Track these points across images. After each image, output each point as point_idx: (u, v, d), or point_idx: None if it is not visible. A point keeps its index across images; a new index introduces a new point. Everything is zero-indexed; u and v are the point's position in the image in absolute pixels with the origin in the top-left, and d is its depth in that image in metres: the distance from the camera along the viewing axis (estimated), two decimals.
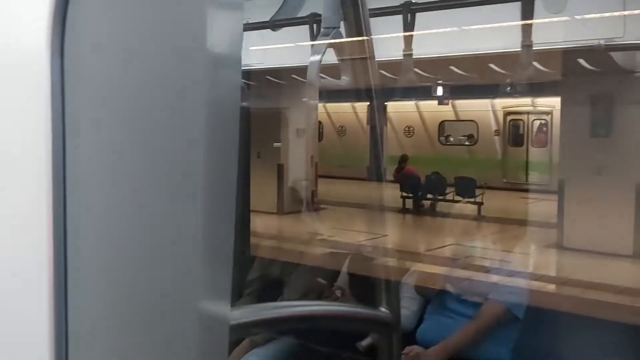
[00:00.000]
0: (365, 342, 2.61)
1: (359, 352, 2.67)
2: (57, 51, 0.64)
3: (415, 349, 2.74)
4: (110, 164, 0.61)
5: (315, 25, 5.26)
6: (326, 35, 1.90)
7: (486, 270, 3.91)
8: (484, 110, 13.98)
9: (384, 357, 1.22)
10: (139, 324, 0.65)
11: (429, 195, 11.09)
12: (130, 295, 0.65)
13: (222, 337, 0.69)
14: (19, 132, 0.69)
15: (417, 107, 14.42)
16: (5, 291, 0.71)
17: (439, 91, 11.07)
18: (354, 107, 14.51)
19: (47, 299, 0.64)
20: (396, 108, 14.07)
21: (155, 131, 0.61)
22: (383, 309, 1.23)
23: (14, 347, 0.72)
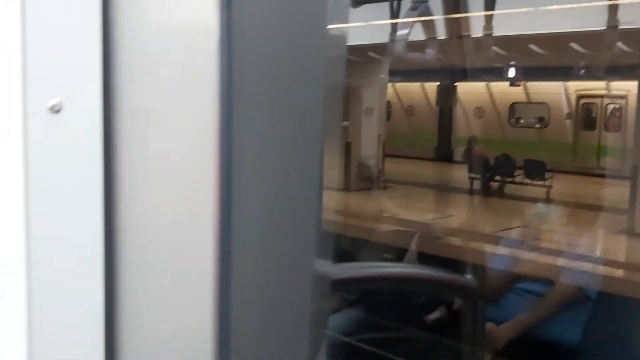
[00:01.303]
0: (433, 316, 2.67)
1: (426, 326, 2.73)
2: (225, 33, 0.69)
3: (487, 324, 2.75)
4: (271, 151, 0.67)
5: (395, 2, 5.25)
6: (414, 10, 1.94)
7: (555, 253, 3.88)
8: (556, 93, 13.61)
9: (468, 323, 1.27)
10: (281, 291, 0.73)
11: (498, 177, 10.95)
12: (277, 270, 0.73)
13: (325, 290, 0.77)
14: (189, 114, 0.76)
15: (488, 88, 14.16)
16: (170, 288, 0.79)
17: (512, 72, 10.87)
18: (423, 87, 14.38)
19: (211, 296, 0.71)
20: (466, 89, 13.87)
21: (298, 115, 0.68)
22: (469, 277, 1.29)
23: (180, 344, 0.79)
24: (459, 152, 11.80)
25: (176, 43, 0.75)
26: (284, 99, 0.69)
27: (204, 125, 0.71)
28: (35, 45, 0.81)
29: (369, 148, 12.24)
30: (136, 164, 0.82)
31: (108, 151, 0.86)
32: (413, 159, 13.04)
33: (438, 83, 13.09)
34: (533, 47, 7.47)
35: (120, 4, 0.82)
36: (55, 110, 0.88)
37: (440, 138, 13.58)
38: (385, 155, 12.66)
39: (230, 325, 0.68)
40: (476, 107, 15.92)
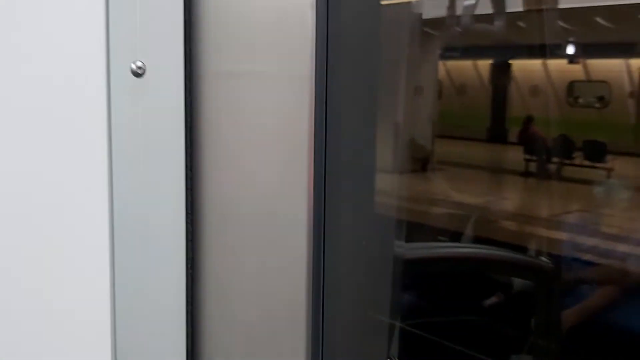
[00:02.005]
0: (490, 301, 2.55)
1: (483, 310, 2.61)
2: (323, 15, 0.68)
3: None
4: (358, 131, 0.68)
5: None
6: None
7: (616, 238, 3.73)
8: (617, 71, 13.11)
9: (543, 306, 1.21)
10: (364, 275, 0.78)
11: (555, 159, 10.62)
12: (361, 253, 0.78)
13: (388, 268, 0.78)
14: (283, 80, 0.73)
15: (545, 65, 13.76)
16: (267, 285, 0.76)
17: (571, 50, 10.46)
18: (475, 65, 14.05)
19: (305, 293, 0.70)
20: (522, 66, 13.50)
21: (360, 95, 0.68)
22: (544, 259, 1.21)
23: (275, 342, 0.77)
24: (513, 132, 11.47)
25: (269, 6, 0.73)
26: (362, 73, 0.71)
27: (299, 92, 0.70)
28: (119, 8, 0.80)
29: (418, 129, 12.11)
30: (222, 132, 0.79)
31: (191, 116, 0.83)
32: (465, 140, 12.77)
33: (491, 61, 12.80)
34: (600, 20, 7.12)
35: None
36: (139, 73, 0.85)
37: (493, 118, 13.25)
38: (436, 137, 12.50)
39: (323, 312, 0.71)
40: (532, 86, 15.52)
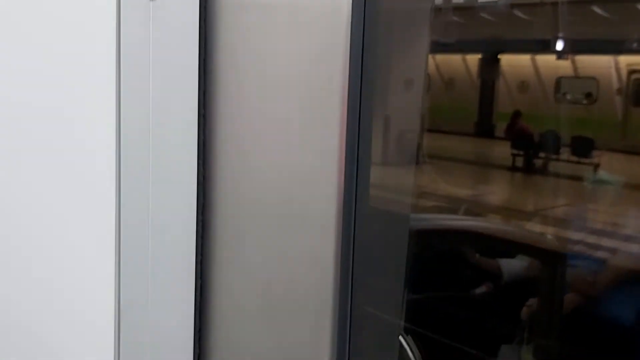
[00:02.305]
0: (479, 290, 2.53)
1: (472, 299, 2.59)
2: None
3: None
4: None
5: None
6: None
7: (602, 233, 3.73)
8: (605, 67, 13.15)
9: (545, 290, 1.17)
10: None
11: (542, 154, 10.64)
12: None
13: (402, 239, 0.75)
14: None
15: (533, 61, 13.77)
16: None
17: (559, 45, 10.47)
18: (464, 59, 14.04)
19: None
20: (510, 62, 13.50)
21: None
22: (550, 237, 1.19)
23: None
24: (501, 127, 11.48)
25: None
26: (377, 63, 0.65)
27: (334, 37, 0.62)
28: None
29: (406, 122, 12.00)
30: (240, 72, 0.70)
31: (208, 45, 0.74)
32: (453, 134, 12.78)
33: (480, 55, 12.80)
34: (596, 9, 7.11)
35: None
36: None
37: (481, 112, 13.26)
38: (424, 130, 12.44)
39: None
40: (520, 81, 15.53)
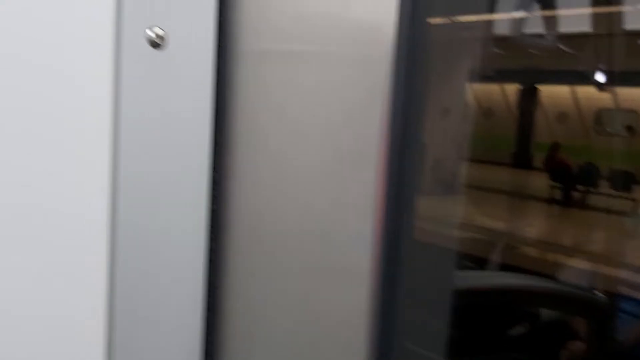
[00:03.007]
0: (516, 331, 2.45)
1: (509, 341, 2.51)
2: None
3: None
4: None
5: None
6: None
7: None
8: None
9: (597, 343, 1.12)
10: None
11: (581, 187, 10.40)
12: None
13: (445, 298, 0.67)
14: (347, 63, 0.60)
15: (573, 92, 13.55)
16: (324, 284, 0.66)
17: (600, 77, 10.30)
18: (502, 89, 13.90)
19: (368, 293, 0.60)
20: (549, 92, 13.31)
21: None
22: (599, 293, 1.13)
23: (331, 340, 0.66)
24: (539, 158, 11.31)
25: None
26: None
27: (371, 78, 0.54)
28: None
29: (443, 150, 11.87)
30: (259, 122, 0.62)
31: (221, 100, 0.65)
32: (490, 164, 12.60)
33: (519, 85, 12.65)
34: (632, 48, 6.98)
35: None
36: (156, 43, 0.65)
37: (519, 143, 13.08)
38: (461, 159, 12.19)
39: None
40: (559, 112, 15.29)
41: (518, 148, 13.41)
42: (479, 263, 3.32)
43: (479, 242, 5.03)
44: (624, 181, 10.15)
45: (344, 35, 0.58)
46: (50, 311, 0.78)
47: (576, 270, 3.67)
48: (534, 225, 7.10)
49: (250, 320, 0.68)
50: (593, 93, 12.99)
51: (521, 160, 12.55)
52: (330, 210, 0.61)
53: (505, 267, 3.25)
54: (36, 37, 0.68)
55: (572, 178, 11.19)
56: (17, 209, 0.76)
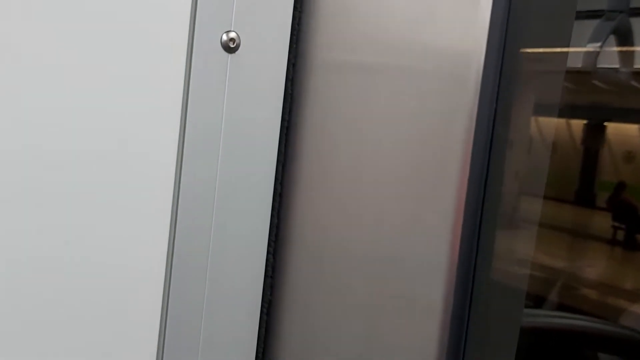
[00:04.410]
0: None
1: None
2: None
3: None
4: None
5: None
6: (610, 20, 1.65)
7: None
8: None
9: None
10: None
11: None
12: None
13: (511, 339, 0.67)
14: (424, 78, 0.61)
15: None
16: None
17: None
18: (568, 124, 13.59)
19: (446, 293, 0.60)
20: (616, 130, 12.97)
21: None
22: None
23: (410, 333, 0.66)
24: (602, 197, 10.98)
25: None
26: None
27: (455, 97, 0.55)
28: None
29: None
30: (330, 137, 0.63)
31: (292, 109, 0.67)
32: (551, 200, 12.26)
33: (585, 121, 12.34)
34: None
35: None
36: (231, 47, 0.68)
37: (582, 180, 12.72)
38: (521, 193, 11.95)
39: None
40: (626, 151, 14.80)
41: (581, 185, 13.05)
42: (537, 301, 3.26)
43: (537, 279, 4.93)
44: None
45: (426, 50, 0.57)
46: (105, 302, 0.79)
47: (636, 315, 3.57)
48: (594, 266, 6.89)
49: (306, 345, 0.66)
50: None
51: (584, 197, 12.20)
52: (402, 234, 0.60)
53: (562, 307, 3.18)
54: (116, 44, 0.71)
55: (637, 220, 10.80)
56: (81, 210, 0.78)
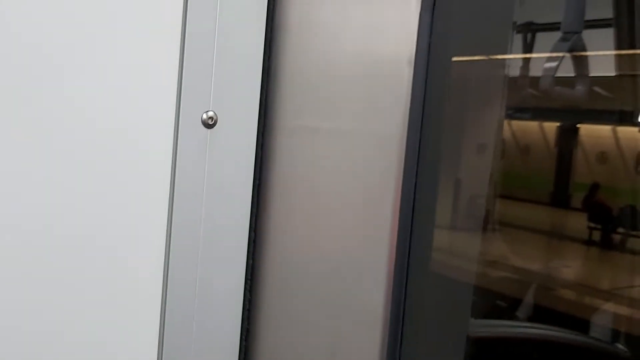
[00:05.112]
0: None
1: None
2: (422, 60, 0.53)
3: None
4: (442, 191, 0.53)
5: (529, 35, 4.96)
6: (565, 41, 1.71)
7: None
8: None
9: None
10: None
11: (621, 230, 10.15)
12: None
13: (459, 347, 0.60)
14: (370, 139, 0.58)
15: (615, 132, 13.33)
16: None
17: None
18: (541, 126, 13.70)
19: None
20: (589, 131, 13.11)
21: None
22: (621, 347, 1.06)
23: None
24: (577, 198, 11.09)
25: (358, 60, 0.58)
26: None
27: (387, 153, 0.54)
28: (195, 55, 0.67)
29: (478, 187, 11.59)
30: (294, 191, 0.63)
31: (262, 170, 0.68)
32: (526, 202, 12.32)
33: (558, 123, 12.42)
34: None
35: (288, 25, 0.65)
36: (209, 124, 0.73)
37: (557, 182, 12.79)
38: (496, 196, 12.01)
39: None
40: (599, 152, 14.90)
41: (555, 187, 13.09)
42: (512, 303, 3.26)
43: (512, 281, 4.93)
44: None
45: (366, 115, 0.56)
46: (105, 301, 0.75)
47: (610, 314, 3.58)
48: (569, 266, 6.93)
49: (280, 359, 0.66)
50: (635, 134, 12.67)
51: (559, 199, 12.25)
52: (348, 264, 0.60)
53: (538, 308, 3.18)
54: (116, 114, 0.71)
55: (612, 220, 10.88)
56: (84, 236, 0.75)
